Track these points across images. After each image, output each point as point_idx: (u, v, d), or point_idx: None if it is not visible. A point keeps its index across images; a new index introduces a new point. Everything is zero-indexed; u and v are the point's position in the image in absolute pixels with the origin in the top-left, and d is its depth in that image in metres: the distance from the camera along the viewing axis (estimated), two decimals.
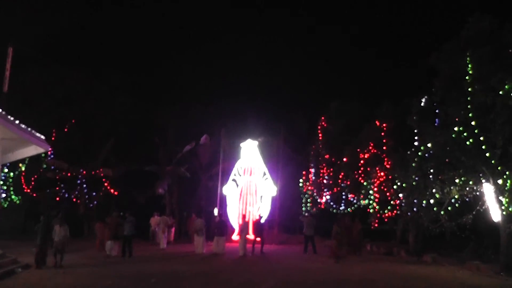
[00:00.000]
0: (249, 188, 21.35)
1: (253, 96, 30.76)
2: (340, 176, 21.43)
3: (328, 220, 19.61)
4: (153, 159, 24.25)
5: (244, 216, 18.49)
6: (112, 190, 22.98)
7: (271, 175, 21.32)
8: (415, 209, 15.47)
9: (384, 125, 19.39)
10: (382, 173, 17.74)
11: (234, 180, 21.47)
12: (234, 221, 21.04)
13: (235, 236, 19.99)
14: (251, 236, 18.91)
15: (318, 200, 23.05)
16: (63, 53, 29.95)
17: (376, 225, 18.25)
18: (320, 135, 23.52)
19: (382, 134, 19.25)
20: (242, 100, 28.96)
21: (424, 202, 14.70)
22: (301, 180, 24.75)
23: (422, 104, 15.43)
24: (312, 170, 23.74)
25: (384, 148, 18.96)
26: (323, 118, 23.52)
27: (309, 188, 23.77)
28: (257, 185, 21.31)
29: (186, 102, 26.24)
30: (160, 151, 24.38)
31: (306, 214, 21.15)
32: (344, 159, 21.17)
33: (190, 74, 35.80)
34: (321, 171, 22.83)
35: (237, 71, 34.26)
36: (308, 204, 23.94)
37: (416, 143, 15.37)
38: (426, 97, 15.40)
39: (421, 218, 15.35)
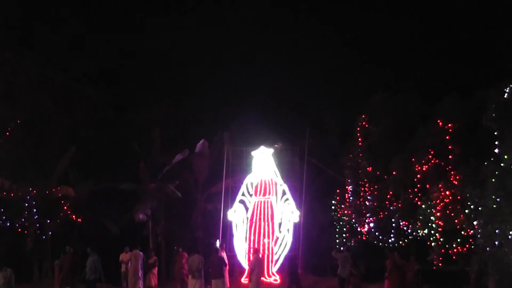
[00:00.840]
0: (263, 212, 21.11)
1: (267, 90, 30.64)
2: (388, 196, 21.28)
3: (372, 257, 19.85)
4: (132, 174, 24.40)
5: (256, 251, 18.18)
6: (73, 216, 23.16)
7: (292, 194, 21.23)
8: (496, 242, 15.31)
9: (448, 125, 19.44)
10: (447, 192, 17.91)
11: (242, 201, 21.37)
12: (243, 257, 20.85)
13: (244, 279, 19.69)
14: (267, 278, 18.94)
15: (358, 229, 23.02)
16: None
17: (440, 264, 18.24)
18: (359, 139, 23.42)
19: (447, 138, 19.29)
20: (252, 95, 29.33)
21: (510, 233, 14.31)
22: (333, 202, 24.71)
23: (505, 96, 15.05)
24: (349, 188, 23.67)
25: (449, 157, 19.05)
26: (363, 117, 23.51)
27: (345, 212, 23.64)
28: (274, 208, 21.14)
29: (177, 98, 26.64)
30: (141, 163, 24.48)
31: (342, 248, 20.86)
32: (393, 173, 21.07)
33: (183, 60, 34.16)
34: (362, 188, 22.75)
35: (244, 57, 33.55)
36: (343, 235, 23.93)
37: (496, 150, 15.27)
38: (510, 86, 15.04)
39: (506, 256, 15.06)
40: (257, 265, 16.67)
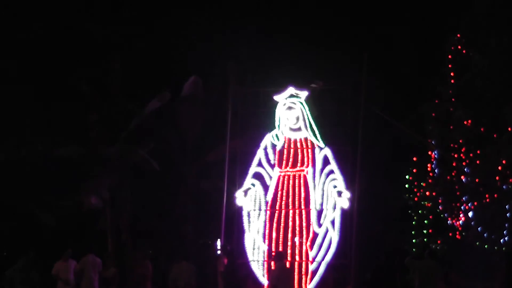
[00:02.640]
0: (293, 193, 20.97)
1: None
2: (500, 168, 21.11)
3: (470, 268, 20.08)
4: (76, 132, 24.26)
5: (280, 256, 18.00)
6: None
7: (340, 164, 20.99)
8: None
9: None
10: None
11: (258, 175, 21.26)
12: (259, 267, 20.60)
13: None
14: None
15: (449, 222, 22.77)
16: None
17: None
18: (451, 74, 23.17)
19: None
20: (272, 5, 29.18)
21: None
22: (407, 177, 24.38)
23: None
24: (434, 155, 23.44)
25: None
26: (458, 36, 23.22)
27: (427, 194, 23.31)
28: (309, 187, 20.90)
29: (155, 13, 26.71)
30: (91, 114, 24.28)
31: (422, 253, 20.65)
32: (509, 129, 20.95)
33: None
34: (455, 155, 22.48)
35: None
36: (424, 231, 23.74)
37: None
38: None
39: None
40: (282, 279, 16.19)
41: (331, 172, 20.59)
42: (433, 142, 23.37)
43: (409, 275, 17.65)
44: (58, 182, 23.63)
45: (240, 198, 20.69)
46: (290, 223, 20.46)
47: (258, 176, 21.03)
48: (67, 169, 23.70)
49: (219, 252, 20.66)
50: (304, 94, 21.34)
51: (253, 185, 20.97)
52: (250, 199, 20.92)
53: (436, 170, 23.28)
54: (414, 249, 22.92)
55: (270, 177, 21.04)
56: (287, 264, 18.18)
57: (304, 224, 20.43)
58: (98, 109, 24.35)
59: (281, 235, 20.41)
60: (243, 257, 20.27)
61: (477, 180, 21.61)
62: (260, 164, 21.17)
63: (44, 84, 24.64)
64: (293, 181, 20.87)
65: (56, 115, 24.27)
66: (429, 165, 23.62)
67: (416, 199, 23.94)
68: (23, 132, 23.67)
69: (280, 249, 19.74)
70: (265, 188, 21.02)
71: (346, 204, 20.05)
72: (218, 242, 20.80)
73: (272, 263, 19.08)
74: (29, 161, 23.48)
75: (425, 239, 23.45)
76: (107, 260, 20.10)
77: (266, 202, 20.86)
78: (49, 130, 23.80)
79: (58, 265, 19.32)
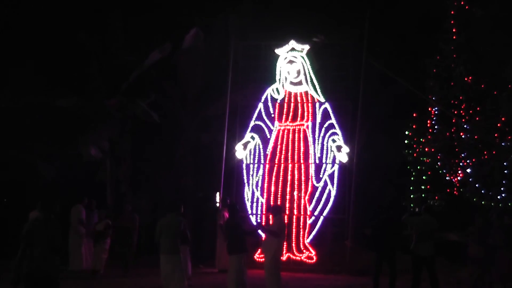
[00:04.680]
0: (292, 147, 21.24)
1: None
2: (499, 125, 21.16)
3: (467, 223, 18.87)
4: (76, 83, 24.10)
5: (277, 209, 17.04)
6: None
7: (339, 119, 21.34)
8: None
9: None
10: None
11: (258, 129, 21.59)
12: (258, 220, 21.03)
13: (259, 256, 19.80)
14: (297, 254, 19.35)
15: (447, 178, 23.12)
16: None
17: None
18: (453, 30, 23.04)
19: None
20: None
21: None
22: (407, 133, 24.53)
23: None
24: (434, 111, 23.55)
25: None
26: None
27: (426, 150, 23.44)
28: (309, 141, 21.21)
29: None
30: (92, 65, 24.16)
31: (417, 210, 21.31)
32: (510, 86, 20.82)
33: None
34: (455, 112, 22.47)
35: None
36: (422, 187, 24.04)
37: None
38: None
39: None
40: (278, 232, 15.68)
41: (331, 126, 20.82)
42: (433, 98, 23.34)
43: (407, 231, 17.66)
44: (57, 133, 23.45)
45: (239, 151, 20.99)
46: (289, 177, 20.77)
47: (258, 129, 21.28)
48: (67, 120, 23.56)
49: (218, 205, 20.69)
50: (305, 48, 21.55)
51: (253, 138, 21.23)
52: (250, 153, 21.21)
53: (435, 127, 23.36)
54: (412, 205, 23.17)
55: (270, 131, 21.23)
56: (284, 218, 17.83)
57: (303, 178, 20.76)
58: (99, 61, 24.17)
59: (279, 189, 20.67)
60: (243, 210, 20.47)
61: (476, 136, 21.65)
62: (260, 117, 21.41)
63: (45, 35, 24.21)
64: (292, 135, 21.09)
65: (57, 66, 23.91)
66: (428, 121, 23.69)
67: (415, 155, 24.08)
68: (22, 82, 23.46)
69: (278, 202, 19.97)
70: (265, 141, 21.24)
71: (345, 159, 20.34)
72: (217, 195, 20.69)
73: (269, 216, 18.98)
74: (29, 112, 23.20)
75: (423, 195, 23.61)
76: (99, 213, 20.10)
77: (265, 156, 21.10)
78: (49, 80, 23.48)
79: (32, 214, 18.98)
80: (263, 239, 16.98)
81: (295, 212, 20.33)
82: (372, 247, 17.39)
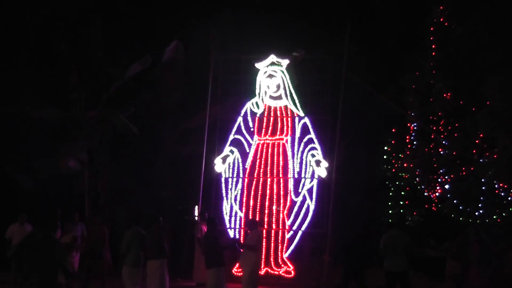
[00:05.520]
0: (272, 161, 21.24)
1: None
2: (477, 142, 21.17)
3: (446, 239, 19.09)
4: (56, 94, 23.93)
5: (253, 223, 17.31)
6: None
7: (319, 134, 21.38)
8: None
9: None
10: None
11: (237, 143, 21.56)
12: (237, 234, 21.00)
13: (237, 270, 19.77)
14: (275, 269, 19.28)
15: (425, 194, 23.11)
16: None
17: None
18: (432, 47, 23.17)
19: None
20: None
21: None
22: (386, 148, 24.52)
23: None
24: (413, 127, 23.58)
25: None
26: (441, 8, 23.11)
27: (405, 166, 23.41)
28: (288, 155, 21.23)
29: None
30: (71, 75, 23.96)
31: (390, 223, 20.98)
32: (487, 103, 20.84)
33: None
34: (433, 127, 22.62)
35: None
36: (401, 203, 24.11)
37: None
38: None
39: None
40: (255, 245, 15.81)
41: (310, 141, 20.85)
42: (412, 114, 23.38)
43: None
44: (36, 145, 23.32)
45: (218, 164, 20.92)
46: (268, 191, 20.72)
47: (237, 143, 21.24)
48: (46, 131, 23.47)
49: (196, 218, 20.61)
50: (285, 62, 21.56)
51: (232, 152, 21.16)
52: (229, 166, 21.13)
53: (414, 142, 23.34)
54: (390, 220, 22.96)
55: (249, 145, 21.19)
56: (261, 231, 18.25)
57: (281, 193, 20.70)
58: (79, 72, 23.99)
59: (258, 203, 20.62)
60: (221, 224, 20.44)
61: (454, 153, 21.66)
62: (239, 131, 21.36)
63: (25, 44, 24.31)
64: (272, 149, 21.07)
65: (36, 77, 23.86)
66: (407, 136, 23.68)
67: (394, 170, 24.03)
68: (1, 91, 23.28)
69: (256, 216, 19.95)
70: (244, 155, 21.22)
71: (324, 174, 20.37)
72: (196, 208, 20.71)
73: (248, 230, 18.40)
74: (7, 122, 23.12)
75: (401, 210, 23.69)
76: (66, 226, 19.53)
77: (244, 170, 21.08)
78: (28, 91, 23.38)
79: (12, 228, 19.03)
80: (241, 253, 16.89)
81: (274, 226, 20.29)
82: (340, 260, 17.52)
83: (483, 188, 21.13)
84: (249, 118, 21.47)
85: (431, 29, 23.18)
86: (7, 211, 19.70)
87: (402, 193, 23.83)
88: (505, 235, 19.60)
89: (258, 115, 21.38)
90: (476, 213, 21.34)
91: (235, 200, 21.08)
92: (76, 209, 21.38)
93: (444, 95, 22.20)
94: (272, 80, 21.43)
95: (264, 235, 19.32)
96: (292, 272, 19.53)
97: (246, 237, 18.31)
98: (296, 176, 20.88)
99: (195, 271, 19.60)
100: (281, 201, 20.73)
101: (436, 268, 18.95)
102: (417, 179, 23.00)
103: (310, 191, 20.76)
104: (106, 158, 24.24)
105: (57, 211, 19.67)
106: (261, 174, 20.91)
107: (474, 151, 21.13)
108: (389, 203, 24.09)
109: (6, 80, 23.39)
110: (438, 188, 22.35)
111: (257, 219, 19.37)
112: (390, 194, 24.17)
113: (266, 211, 20.51)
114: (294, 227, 20.17)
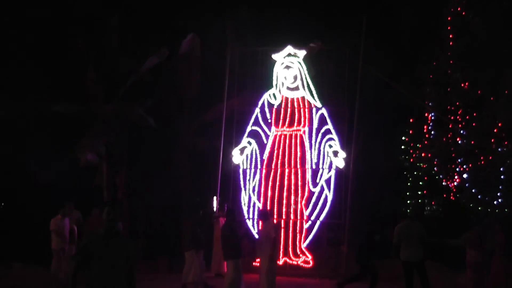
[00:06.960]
0: (289, 152, 21.21)
1: None
2: (495, 131, 21.17)
3: (464, 229, 18.31)
4: (73, 89, 23.82)
5: (265, 213, 17.08)
6: None
7: (336, 125, 21.30)
8: None
9: None
10: None
11: (255, 134, 21.57)
12: (253, 224, 21.07)
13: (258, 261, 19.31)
14: (293, 259, 19.28)
15: (444, 184, 22.96)
16: None
17: None
18: (449, 37, 23.07)
19: None
20: None
21: None
22: (403, 139, 24.60)
23: None
24: (431, 117, 23.57)
25: None
26: None
27: (423, 156, 23.38)
28: (305, 146, 21.21)
29: None
30: (88, 71, 23.89)
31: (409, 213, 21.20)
32: (506, 92, 20.76)
33: None
34: (451, 118, 22.52)
35: None
36: (419, 193, 24.10)
37: None
38: None
39: None
40: (271, 236, 15.64)
41: (328, 132, 20.81)
42: (430, 104, 23.28)
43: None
44: (54, 139, 23.25)
45: (236, 156, 20.94)
46: (286, 182, 20.71)
47: (254, 134, 21.26)
48: (64, 126, 23.39)
49: (215, 209, 20.63)
50: (302, 53, 21.50)
51: (250, 143, 21.17)
52: (246, 158, 21.18)
53: (432, 132, 23.31)
54: (408, 210, 22.84)
55: (267, 136, 21.21)
56: (278, 223, 18.41)
57: (299, 183, 20.70)
58: (96, 66, 23.92)
59: (276, 194, 20.66)
60: (240, 215, 20.50)
61: (472, 142, 21.61)
62: (257, 123, 21.37)
63: (42, 40, 24.19)
64: (289, 140, 21.05)
65: (54, 72, 23.78)
66: (425, 126, 23.65)
67: (411, 160, 24.04)
68: (19, 88, 23.28)
69: (274, 207, 20.05)
70: (262, 147, 21.23)
71: (341, 164, 20.31)
72: (214, 200, 20.77)
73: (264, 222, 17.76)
74: (26, 118, 23.10)
75: (419, 200, 23.65)
76: (82, 219, 19.74)
77: (262, 161, 21.10)
78: (46, 87, 23.31)
79: (53, 222, 18.96)
80: (256, 243, 16.85)
81: (292, 216, 20.30)
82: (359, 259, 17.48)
83: (502, 177, 21.07)
84: (267, 110, 21.48)
85: (448, 19, 23.04)
86: (26, 205, 19.54)
87: (420, 183, 23.86)
88: None
89: (275, 107, 21.38)
90: (495, 203, 21.25)
91: (253, 191, 21.13)
92: (95, 203, 21.61)
93: (462, 84, 22.16)
94: (289, 71, 21.40)
95: (282, 225, 19.47)
96: (311, 262, 19.61)
97: (260, 228, 18.42)
98: (314, 166, 20.85)
99: (213, 261, 19.69)
100: (299, 191, 20.73)
101: (456, 258, 18.88)
102: (435, 168, 22.99)
103: (328, 181, 20.73)
104: (124, 151, 24.23)
105: (67, 203, 19.88)
106: (278, 165, 20.91)
107: (492, 140, 21.11)
108: (407, 193, 24.09)
109: (24, 76, 23.46)
110: (456, 177, 22.28)
111: (267, 209, 19.30)
112: (408, 184, 24.20)
113: (284, 202, 20.50)
114: (312, 218, 20.19)
